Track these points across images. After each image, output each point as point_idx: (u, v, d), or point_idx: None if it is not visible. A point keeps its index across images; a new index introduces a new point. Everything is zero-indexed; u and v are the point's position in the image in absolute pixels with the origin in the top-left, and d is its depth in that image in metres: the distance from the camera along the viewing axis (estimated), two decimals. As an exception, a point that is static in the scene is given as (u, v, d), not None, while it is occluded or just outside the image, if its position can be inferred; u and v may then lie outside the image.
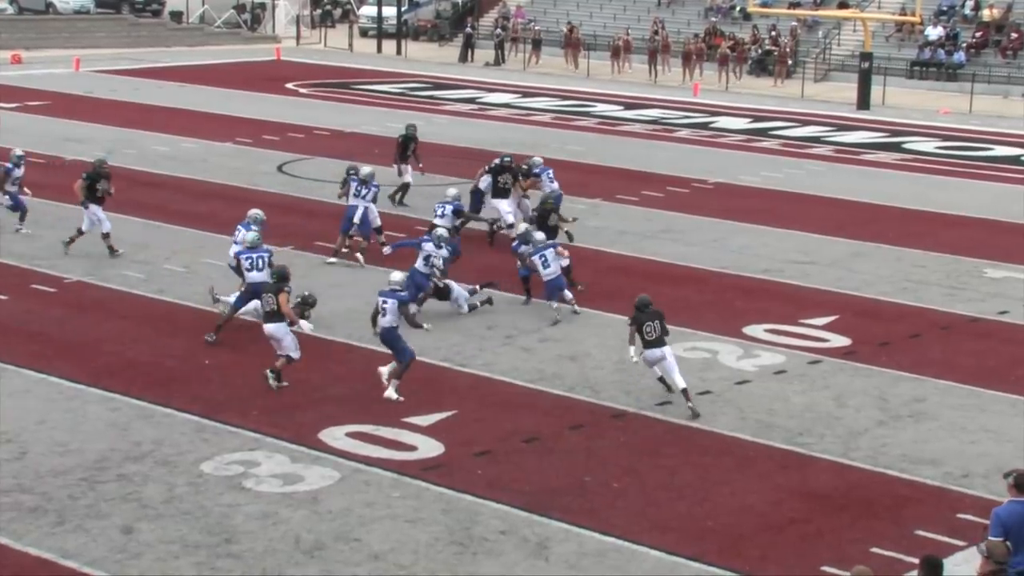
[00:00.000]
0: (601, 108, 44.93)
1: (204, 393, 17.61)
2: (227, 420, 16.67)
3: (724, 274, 23.84)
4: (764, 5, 54.16)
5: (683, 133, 40.04)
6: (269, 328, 17.82)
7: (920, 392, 18.34)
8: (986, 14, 50.88)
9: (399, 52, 59.22)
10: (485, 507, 14.44)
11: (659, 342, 17.17)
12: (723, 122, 42.30)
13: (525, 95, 47.55)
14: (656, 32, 54.03)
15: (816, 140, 39.29)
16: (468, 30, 58.57)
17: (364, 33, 64.55)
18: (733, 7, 56.63)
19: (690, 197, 29.62)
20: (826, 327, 21.16)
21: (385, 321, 17.71)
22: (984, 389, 18.50)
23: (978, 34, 50.34)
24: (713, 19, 55.18)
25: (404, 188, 28.38)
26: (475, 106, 44.73)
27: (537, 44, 56.09)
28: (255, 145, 35.72)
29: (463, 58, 57.62)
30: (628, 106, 45.36)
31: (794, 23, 53.61)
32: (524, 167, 25.96)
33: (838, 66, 52.03)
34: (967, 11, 51.94)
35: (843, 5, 52.73)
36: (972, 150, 37.77)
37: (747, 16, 55.48)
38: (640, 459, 15.86)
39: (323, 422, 16.67)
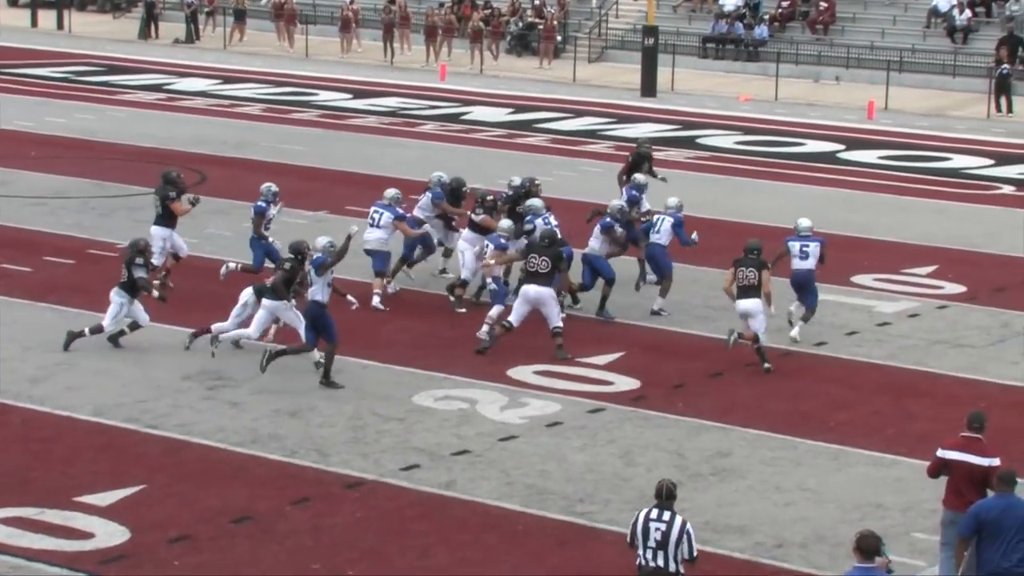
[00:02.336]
0: (325, 97, 44.89)
1: None
2: None
3: (483, 303, 24.04)
4: (525, -32, 55.01)
5: (428, 127, 40.29)
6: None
7: (724, 444, 18.82)
8: (791, -20, 52.79)
9: (60, 26, 58.12)
10: (185, 608, 14.23)
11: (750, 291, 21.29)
12: (477, 113, 42.76)
13: (227, 81, 47.20)
14: (392, 1, 54.34)
15: (592, 135, 40.06)
16: (150, -3, 57.98)
17: (13, 1, 63.09)
18: (487, -30, 57.39)
19: (438, 207, 29.85)
20: (609, 367, 21.53)
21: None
22: (800, 438, 19.07)
23: (784, 4, 52.13)
24: (462, -15, 55.82)
25: None
26: (163, 95, 44.17)
27: (241, 16, 55.79)
28: None
29: (145, 34, 56.89)
30: (358, 94, 45.44)
31: (562, -10, 54.62)
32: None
33: (617, 43, 53.21)
34: (767, -24, 53.76)
35: (621, -32, 53.98)
36: (779, 145, 39.04)
37: (504, -19, 56.29)
38: (382, 538, 15.84)
39: (-31, 506, 16.19)
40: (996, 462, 14.48)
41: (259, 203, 23.97)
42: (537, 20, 53.61)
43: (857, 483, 17.64)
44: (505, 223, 23.38)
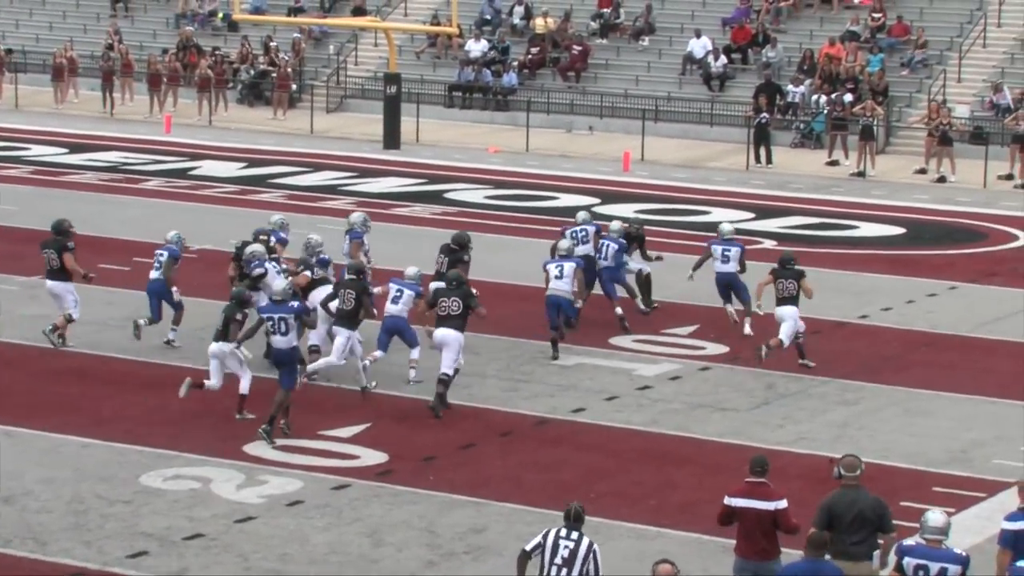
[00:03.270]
0: (37, 151, 44.23)
1: None
2: None
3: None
4: (256, 11, 54.88)
5: (153, 183, 39.88)
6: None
7: (479, 520, 18.86)
8: (539, 24, 53.42)
9: None
10: None
11: None
12: (207, 167, 42.49)
13: (-72, 134, 46.25)
14: (111, 47, 53.73)
15: (332, 190, 40.03)
16: None
17: None
18: (214, 13, 57.08)
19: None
20: (354, 439, 21.47)
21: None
22: (558, 512, 19.10)
23: (533, 50, 52.78)
24: (188, 29, 55.44)
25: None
26: None
27: (-57, 63, 54.70)
28: None
29: None
30: (75, 148, 44.83)
31: (297, 35, 54.59)
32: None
33: (357, 92, 53.32)
34: (516, 20, 54.36)
35: (359, 12, 54.16)
36: (530, 200, 39.41)
37: (233, 26, 56.02)
38: (107, 635, 15.55)
39: None
40: (783, 504, 15.23)
41: (173, 248, 25.28)
42: (270, 68, 53.43)
43: (620, 557, 17.80)
44: (412, 270, 23.96)
